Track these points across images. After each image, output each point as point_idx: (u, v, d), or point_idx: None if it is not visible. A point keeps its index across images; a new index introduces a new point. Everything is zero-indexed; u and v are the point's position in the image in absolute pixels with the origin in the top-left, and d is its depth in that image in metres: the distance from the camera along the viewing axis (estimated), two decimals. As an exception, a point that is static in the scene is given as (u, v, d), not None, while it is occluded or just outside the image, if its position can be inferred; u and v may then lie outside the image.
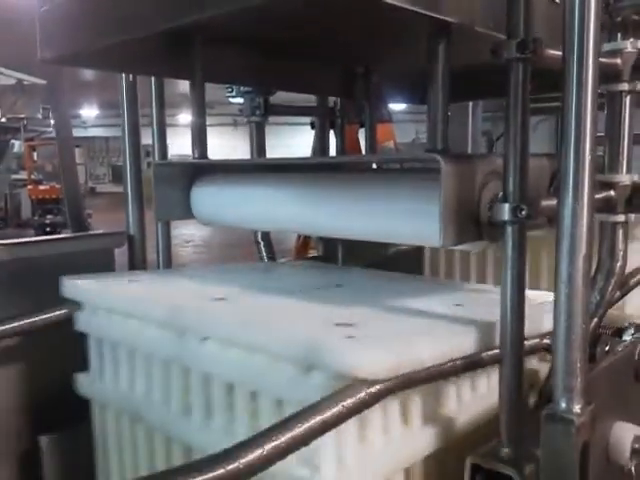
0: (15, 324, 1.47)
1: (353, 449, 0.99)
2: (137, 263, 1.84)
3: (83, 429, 1.54)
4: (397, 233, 1.23)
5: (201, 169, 1.69)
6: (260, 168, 1.67)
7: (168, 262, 1.94)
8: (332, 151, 2.34)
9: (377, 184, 1.30)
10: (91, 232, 1.90)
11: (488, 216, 1.06)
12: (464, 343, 1.09)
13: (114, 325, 1.41)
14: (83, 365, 1.52)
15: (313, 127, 2.42)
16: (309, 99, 2.27)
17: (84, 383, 1.53)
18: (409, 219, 1.18)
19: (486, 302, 1.31)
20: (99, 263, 1.73)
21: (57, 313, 1.52)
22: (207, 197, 1.66)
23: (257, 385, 1.11)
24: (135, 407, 1.38)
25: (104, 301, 1.46)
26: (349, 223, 1.31)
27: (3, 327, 1.45)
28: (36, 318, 1.50)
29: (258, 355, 1.09)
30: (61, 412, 1.54)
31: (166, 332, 1.27)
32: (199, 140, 1.59)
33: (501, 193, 0.99)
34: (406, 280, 1.68)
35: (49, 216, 13.86)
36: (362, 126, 2.29)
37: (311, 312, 1.25)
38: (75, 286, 1.51)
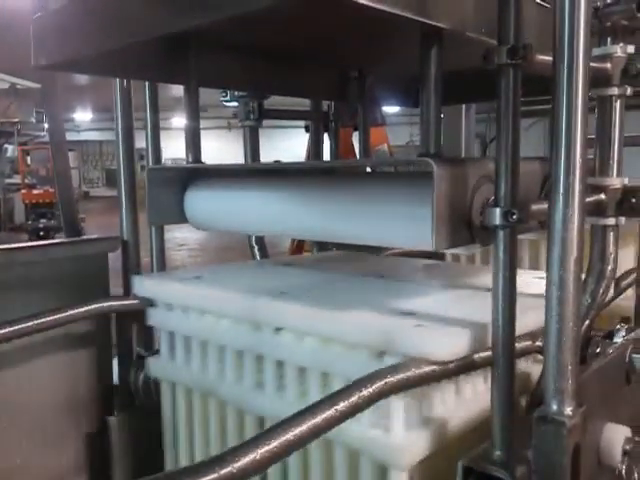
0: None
1: (418, 415, 1.12)
2: (131, 268, 1.84)
3: (149, 409, 1.68)
4: (390, 237, 1.24)
5: (195, 173, 1.70)
6: (254, 172, 1.68)
7: (162, 265, 1.94)
8: (327, 154, 2.36)
9: (370, 188, 1.31)
10: (85, 237, 1.89)
11: (480, 220, 1.07)
12: (524, 325, 1.11)
13: (188, 321, 1.50)
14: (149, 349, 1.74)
15: (307, 130, 2.43)
16: (303, 102, 2.27)
17: (154, 366, 1.64)
18: (401, 223, 1.19)
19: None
20: (93, 268, 1.74)
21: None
22: (201, 201, 1.66)
23: (330, 369, 1.22)
24: (207, 385, 1.47)
25: (178, 299, 1.54)
26: (342, 227, 1.32)
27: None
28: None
29: (331, 343, 1.21)
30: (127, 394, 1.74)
31: (240, 326, 1.38)
32: (193, 144, 1.59)
33: (493, 197, 1.00)
34: (439, 267, 1.83)
35: (43, 220, 13.81)
36: (356, 129, 2.30)
37: (372, 302, 1.31)
38: (147, 284, 1.63)
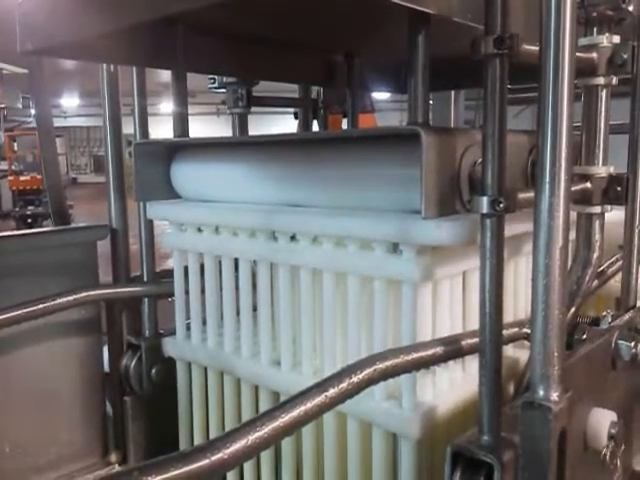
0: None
1: (426, 389, 1.23)
2: (120, 256, 1.84)
3: (164, 389, 1.78)
4: (379, 204, 1.27)
5: (182, 149, 1.68)
6: (241, 147, 1.66)
7: (151, 253, 1.93)
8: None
9: (359, 156, 1.31)
10: (73, 225, 1.90)
11: (467, 186, 1.09)
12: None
13: (202, 238, 1.58)
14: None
15: (297, 117, 2.42)
16: (292, 88, 2.27)
17: (171, 346, 1.73)
18: (391, 190, 1.22)
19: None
20: (82, 256, 1.73)
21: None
22: (188, 174, 1.66)
23: (346, 268, 1.29)
24: (223, 363, 1.56)
25: (193, 218, 1.60)
26: (331, 195, 1.35)
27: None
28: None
29: (347, 242, 1.28)
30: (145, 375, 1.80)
31: (255, 237, 1.46)
32: (180, 121, 1.57)
33: (479, 160, 1.00)
34: None
35: (30, 207, 13.67)
36: (345, 116, 2.30)
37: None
38: (162, 209, 1.67)
